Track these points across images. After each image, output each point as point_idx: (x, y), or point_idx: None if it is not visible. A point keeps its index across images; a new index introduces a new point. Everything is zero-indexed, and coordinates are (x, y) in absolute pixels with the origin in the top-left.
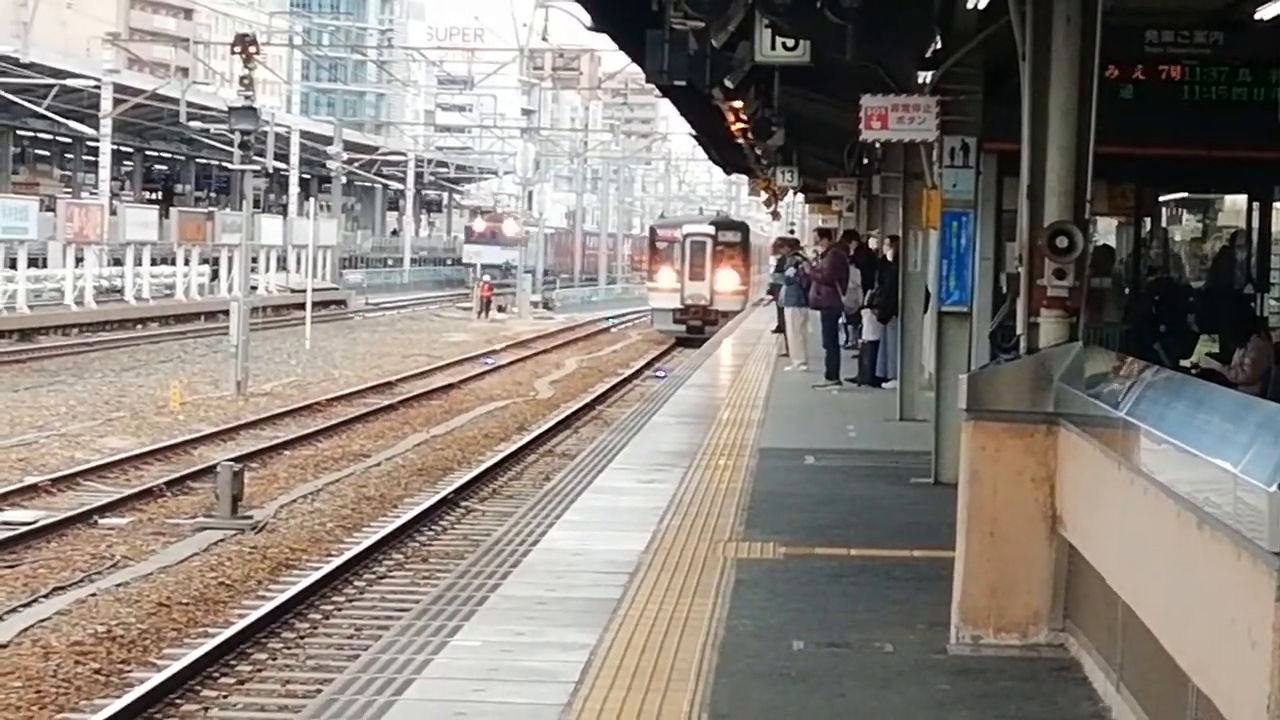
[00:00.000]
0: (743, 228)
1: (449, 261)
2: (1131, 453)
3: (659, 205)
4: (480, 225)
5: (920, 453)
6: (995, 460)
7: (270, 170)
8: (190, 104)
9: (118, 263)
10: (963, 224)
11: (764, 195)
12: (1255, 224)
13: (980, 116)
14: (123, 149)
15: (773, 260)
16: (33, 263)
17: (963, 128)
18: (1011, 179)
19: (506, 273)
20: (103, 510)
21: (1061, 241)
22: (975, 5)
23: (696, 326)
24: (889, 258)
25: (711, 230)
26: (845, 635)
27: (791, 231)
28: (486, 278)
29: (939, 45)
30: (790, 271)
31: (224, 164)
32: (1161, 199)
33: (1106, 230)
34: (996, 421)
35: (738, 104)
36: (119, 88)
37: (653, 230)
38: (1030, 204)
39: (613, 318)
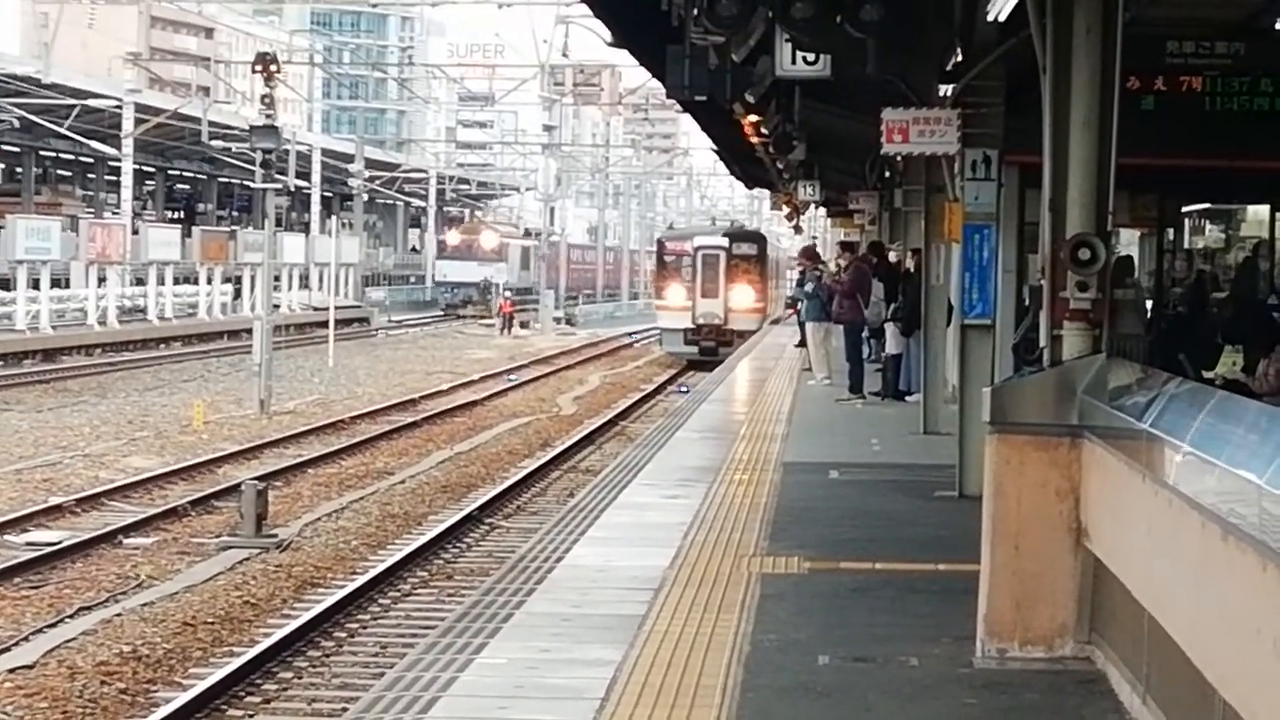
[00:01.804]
0: (759, 239)
1: (411, 280)
2: (1155, 464)
3: (681, 220)
4: (454, 238)
5: (944, 466)
6: (1019, 473)
7: (292, 188)
8: (212, 123)
9: (140, 282)
10: (985, 237)
11: (786, 209)
12: (1278, 234)
13: (1001, 129)
14: (145, 168)
15: (794, 274)
16: (55, 283)
17: (984, 140)
18: (1033, 191)
19: (485, 292)
20: (127, 530)
21: (1084, 254)
22: (996, 18)
23: (710, 348)
24: (910, 270)
25: (725, 242)
26: (870, 649)
27: (813, 241)
28: (508, 294)
29: (959, 58)
30: (809, 286)
31: (246, 183)
32: (1184, 210)
33: (1129, 241)
34: (1020, 434)
35: (758, 118)
36: (140, 107)
37: (660, 243)
38: (1052, 216)
39: (635, 333)
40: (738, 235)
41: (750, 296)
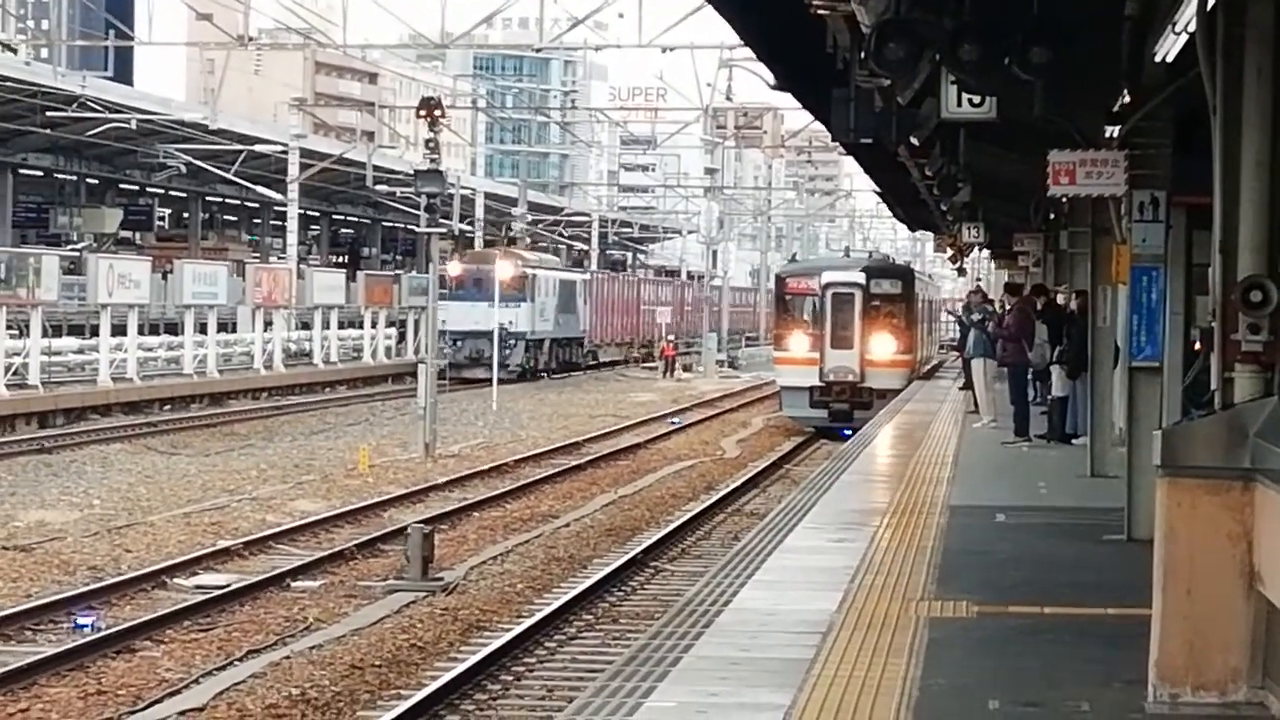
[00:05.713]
0: (905, 274)
1: None
2: None
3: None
4: (455, 268)
5: (1112, 509)
6: (1191, 517)
7: (456, 232)
8: (376, 167)
9: (306, 326)
10: (1153, 279)
11: (950, 251)
12: None
13: (1169, 170)
14: (310, 213)
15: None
16: (222, 327)
17: (1151, 181)
18: (1201, 232)
19: (503, 345)
20: (294, 573)
21: (1255, 296)
22: (1164, 58)
23: (842, 411)
24: (1075, 312)
25: (861, 278)
26: (1041, 694)
27: (978, 284)
28: (671, 337)
29: (1126, 99)
30: (978, 316)
31: (410, 226)
32: None
33: None
34: (1191, 478)
35: (923, 160)
36: (305, 152)
37: (779, 279)
38: (1223, 258)
39: None
40: (877, 270)
41: (893, 347)
